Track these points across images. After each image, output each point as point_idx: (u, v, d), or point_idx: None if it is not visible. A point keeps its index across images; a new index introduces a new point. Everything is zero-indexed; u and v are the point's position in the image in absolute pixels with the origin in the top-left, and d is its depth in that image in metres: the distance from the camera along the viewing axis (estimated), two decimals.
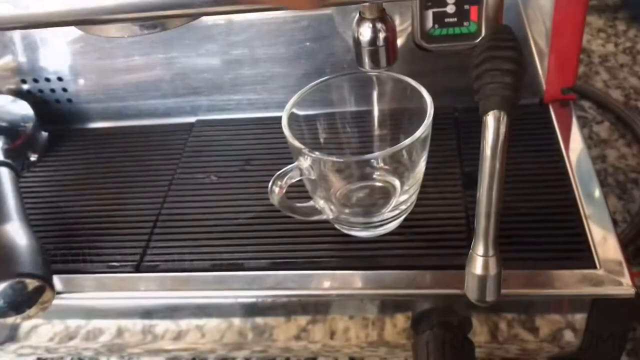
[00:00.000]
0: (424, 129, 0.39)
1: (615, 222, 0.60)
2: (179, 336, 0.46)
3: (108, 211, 0.50)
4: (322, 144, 0.46)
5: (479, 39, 0.49)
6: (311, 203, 0.43)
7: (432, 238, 0.44)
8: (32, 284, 0.40)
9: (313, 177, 0.39)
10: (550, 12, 0.50)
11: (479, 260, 0.32)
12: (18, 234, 0.43)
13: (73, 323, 0.46)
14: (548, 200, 0.45)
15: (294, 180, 0.39)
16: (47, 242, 0.46)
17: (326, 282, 0.42)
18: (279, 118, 0.55)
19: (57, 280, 0.44)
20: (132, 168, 0.54)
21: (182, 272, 0.44)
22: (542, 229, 0.43)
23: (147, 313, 0.45)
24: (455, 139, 0.51)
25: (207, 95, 0.57)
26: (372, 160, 0.42)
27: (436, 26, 0.51)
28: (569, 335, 0.43)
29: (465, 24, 0.49)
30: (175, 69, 0.55)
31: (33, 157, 0.56)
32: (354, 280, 0.42)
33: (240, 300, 0.43)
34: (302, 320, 0.44)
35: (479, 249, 0.32)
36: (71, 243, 0.48)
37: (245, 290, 0.43)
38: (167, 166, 0.53)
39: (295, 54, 0.53)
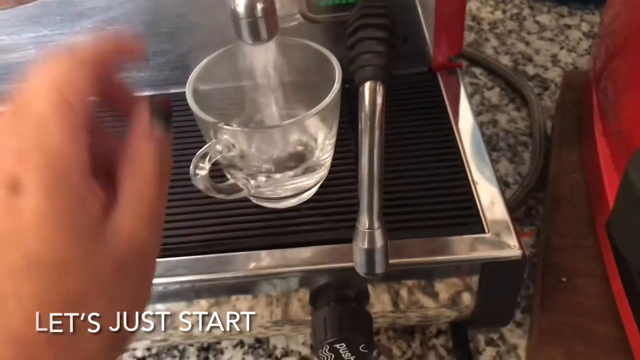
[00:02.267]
0: (335, 92, 0.38)
1: (506, 185, 0.63)
2: None
3: None
4: (230, 118, 0.44)
5: None
6: (231, 181, 0.41)
7: (326, 212, 0.43)
8: None
9: (233, 153, 0.37)
10: None
11: (365, 234, 0.32)
12: None
13: None
14: (437, 168, 0.45)
15: (216, 159, 0.37)
16: None
17: (219, 266, 0.41)
18: (168, 95, 0.53)
19: None
20: None
21: None
22: (432, 197, 0.43)
23: None
24: (347, 109, 0.50)
25: None
26: (289, 127, 0.40)
27: None
28: (465, 299, 0.44)
29: None
30: (49, 47, 0.51)
31: None
32: (246, 262, 0.41)
33: None
34: (204, 304, 0.43)
35: (364, 223, 0.32)
36: None
37: None
38: None
39: (177, 29, 0.51)
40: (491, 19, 0.83)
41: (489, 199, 0.43)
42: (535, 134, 0.67)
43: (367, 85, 0.29)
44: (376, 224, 0.32)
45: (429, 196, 0.43)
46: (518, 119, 0.70)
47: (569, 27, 0.80)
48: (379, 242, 0.32)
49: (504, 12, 0.84)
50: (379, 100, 0.29)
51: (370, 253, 0.32)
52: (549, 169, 0.61)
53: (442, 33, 0.50)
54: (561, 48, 0.78)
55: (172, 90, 0.53)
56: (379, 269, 0.33)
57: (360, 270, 0.34)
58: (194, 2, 0.50)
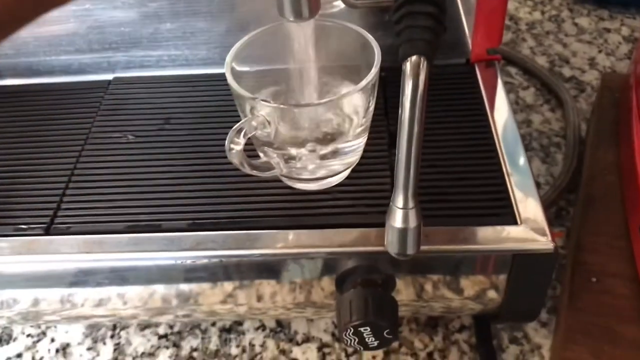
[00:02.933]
0: (373, 75, 0.38)
1: (538, 185, 0.62)
2: (98, 302, 0.44)
3: (16, 172, 0.47)
4: (267, 96, 0.44)
5: None
6: (264, 158, 0.41)
7: (357, 197, 0.43)
8: None
9: (268, 130, 0.37)
10: None
11: (399, 213, 0.32)
12: None
13: None
14: (471, 158, 0.45)
15: (251, 134, 0.37)
16: None
17: (247, 242, 0.41)
18: (201, 75, 0.54)
19: None
20: (42, 127, 0.51)
21: (96, 235, 0.42)
22: (465, 186, 0.43)
23: (60, 278, 0.42)
24: (383, 97, 0.50)
25: (124, 50, 0.54)
26: (324, 107, 0.40)
27: None
28: (491, 293, 0.43)
29: None
30: (89, 21, 0.52)
31: None
32: (276, 240, 0.41)
33: (158, 262, 0.41)
34: (228, 286, 0.43)
35: (399, 201, 0.32)
36: None
37: (163, 251, 0.41)
38: (81, 125, 0.50)
39: (217, 8, 0.51)
40: (529, 19, 0.82)
41: (523, 191, 0.42)
42: (569, 135, 0.66)
43: (412, 60, 0.29)
44: (411, 203, 0.32)
45: (462, 185, 0.43)
46: (552, 120, 0.69)
47: (608, 30, 0.79)
48: (412, 222, 0.32)
49: (542, 13, 0.83)
50: (423, 76, 0.29)
51: (403, 233, 0.32)
52: (582, 170, 0.60)
53: (482, 24, 0.49)
54: (599, 51, 0.76)
55: (210, 71, 0.53)
56: (411, 249, 0.33)
57: (392, 250, 0.33)
58: None
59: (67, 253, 0.41)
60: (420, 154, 0.31)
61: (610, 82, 0.66)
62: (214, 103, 0.51)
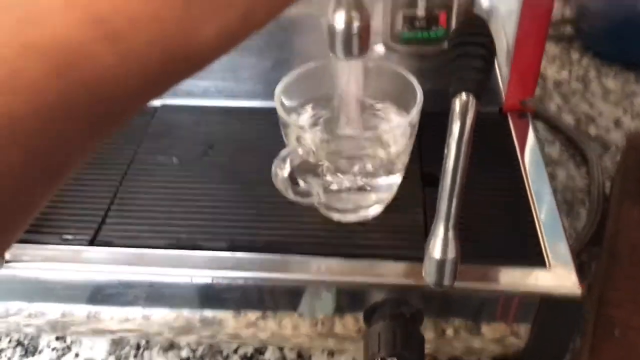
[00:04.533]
0: (417, 111, 0.40)
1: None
2: (129, 316, 0.45)
3: (65, 184, 0.49)
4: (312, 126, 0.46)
5: (446, 44, 0.51)
6: (304, 186, 0.43)
7: (390, 230, 0.45)
8: None
9: (312, 159, 0.40)
10: (514, 27, 0.52)
11: (439, 243, 0.33)
12: None
13: (20, 296, 0.45)
14: (503, 201, 0.46)
15: (296, 162, 0.39)
16: None
17: (282, 266, 0.42)
18: (245, 107, 0.56)
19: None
20: None
21: (138, 249, 0.44)
22: (496, 228, 0.44)
23: (98, 289, 0.44)
24: (418, 140, 0.52)
25: None
26: (366, 140, 0.42)
27: (405, 28, 0.52)
28: (515, 336, 0.44)
29: (434, 28, 0.51)
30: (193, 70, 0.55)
31: None
32: (310, 266, 0.42)
33: (195, 280, 0.43)
34: (258, 309, 0.44)
35: (439, 231, 0.33)
36: None
37: (200, 269, 0.42)
38: (129, 146, 0.53)
39: (265, 44, 0.54)
40: (557, 78, 0.85)
41: (552, 236, 0.44)
42: (593, 191, 0.67)
43: (462, 97, 0.30)
44: (451, 235, 0.33)
45: (493, 227, 0.44)
46: (577, 176, 0.71)
47: (634, 93, 0.81)
48: (451, 253, 0.33)
49: (570, 72, 0.85)
50: (471, 113, 0.31)
51: (441, 264, 0.33)
52: (605, 226, 0.61)
53: (517, 76, 0.52)
54: (625, 113, 0.78)
55: (253, 104, 0.56)
56: (447, 281, 0.34)
57: (429, 279, 0.35)
58: (284, 21, 0.53)
59: (108, 264, 0.43)
60: (463, 188, 0.32)
61: (636, 143, 0.68)
62: (255, 134, 0.53)
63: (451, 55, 0.32)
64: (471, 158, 0.49)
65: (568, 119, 0.78)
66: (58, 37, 0.16)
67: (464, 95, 0.31)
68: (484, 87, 0.31)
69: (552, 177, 0.70)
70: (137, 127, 0.55)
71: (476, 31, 0.32)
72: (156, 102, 0.57)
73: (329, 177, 0.42)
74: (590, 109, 0.79)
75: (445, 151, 0.32)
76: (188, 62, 0.18)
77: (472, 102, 0.31)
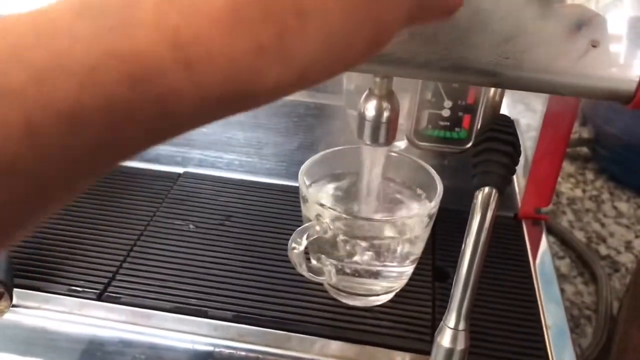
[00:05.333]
0: (436, 203, 0.42)
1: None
2: None
3: (81, 237, 0.50)
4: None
5: (467, 146, 0.53)
6: (317, 264, 0.43)
7: (397, 320, 0.44)
8: None
9: (329, 236, 0.40)
10: (533, 141, 0.54)
11: (449, 333, 0.33)
12: None
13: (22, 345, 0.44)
14: (513, 305, 0.46)
15: (313, 238, 0.40)
16: (14, 256, 0.45)
17: (286, 343, 0.42)
18: (266, 184, 0.57)
19: (16, 293, 0.42)
20: (114, 202, 0.54)
21: (143, 309, 0.44)
22: (505, 330, 0.44)
23: (99, 344, 0.43)
24: (432, 235, 0.52)
25: (200, 149, 0.58)
26: (385, 225, 0.43)
27: (429, 126, 0.54)
28: None
29: (457, 129, 0.53)
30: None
31: None
32: (314, 346, 0.42)
33: (197, 346, 0.42)
34: None
35: (451, 321, 0.33)
36: (38, 260, 0.47)
37: (204, 336, 0.42)
38: (148, 207, 0.54)
39: (294, 126, 0.56)
40: (570, 195, 0.86)
41: (559, 345, 0.43)
42: (601, 310, 0.66)
43: (485, 190, 0.31)
44: (462, 325, 0.33)
45: (501, 329, 0.44)
46: (585, 293, 0.70)
47: None
48: (460, 344, 0.33)
49: (584, 191, 0.87)
50: (493, 206, 0.31)
51: (450, 353, 0.33)
52: (610, 347, 0.60)
53: (534, 184, 0.53)
54: (637, 236, 0.79)
55: (274, 181, 0.57)
56: None
57: None
58: (313, 109, 0.55)
59: (112, 320, 0.43)
60: (478, 280, 0.33)
61: None
62: (272, 210, 0.54)
63: (477, 150, 0.33)
64: (486, 258, 0.50)
65: (579, 236, 0.79)
66: (140, 51, 0.17)
67: (487, 189, 0.31)
68: (507, 184, 0.32)
69: (560, 291, 0.70)
70: (159, 191, 0.56)
71: (503, 129, 0.34)
72: (179, 169, 0.59)
73: (342, 258, 0.42)
74: (602, 229, 0.80)
75: (464, 242, 0.32)
76: (245, 101, 0.20)
77: (495, 196, 0.31)
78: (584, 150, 0.93)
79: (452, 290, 0.33)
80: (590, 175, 0.89)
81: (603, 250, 0.77)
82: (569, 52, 0.31)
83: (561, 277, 0.73)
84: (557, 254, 0.76)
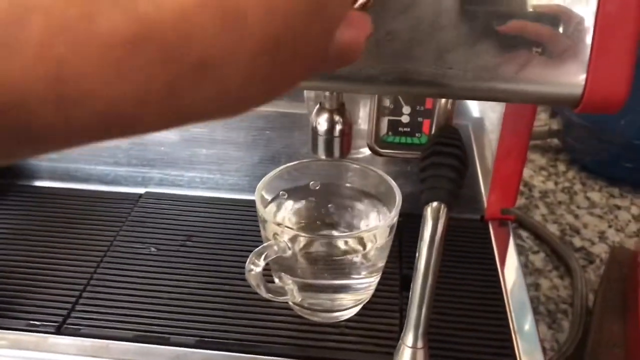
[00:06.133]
0: (395, 213, 0.41)
1: (543, 349, 0.61)
2: None
3: (37, 268, 0.48)
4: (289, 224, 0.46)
5: None
6: (279, 283, 0.42)
7: (364, 334, 0.44)
8: None
9: (288, 255, 0.39)
10: (496, 138, 0.53)
11: (408, 352, 0.32)
12: None
13: None
14: (480, 311, 0.46)
15: (271, 258, 0.39)
16: None
17: None
18: (229, 200, 0.57)
19: None
20: (70, 230, 0.53)
21: (104, 340, 0.43)
22: (471, 338, 0.44)
23: None
24: (398, 242, 0.52)
25: (160, 168, 0.57)
26: (345, 240, 0.42)
27: (390, 133, 0.53)
28: None
29: (417, 135, 0.53)
30: (133, 138, 0.56)
31: None
32: None
33: None
34: None
35: (409, 340, 0.32)
36: None
37: None
38: (108, 232, 0.52)
39: (253, 140, 0.55)
40: (542, 187, 0.86)
41: (528, 352, 0.43)
42: (576, 303, 0.66)
43: (433, 205, 0.31)
44: (420, 343, 0.32)
45: (468, 337, 0.44)
46: (560, 287, 0.70)
47: (619, 207, 0.82)
48: None
49: (555, 183, 0.87)
50: (442, 221, 0.31)
51: None
52: (587, 340, 0.60)
53: (498, 185, 0.52)
54: (610, 226, 0.79)
55: (237, 196, 0.56)
56: None
57: None
58: (273, 119, 0.54)
59: (73, 354, 0.42)
60: (433, 296, 0.32)
61: (619, 256, 0.68)
62: (236, 226, 0.53)
63: (424, 164, 0.33)
64: (449, 264, 0.49)
65: (553, 229, 0.78)
66: (12, 77, 0.16)
67: (435, 204, 0.31)
68: (455, 197, 0.31)
69: (535, 286, 0.69)
70: (119, 213, 0.55)
71: (449, 141, 0.33)
72: (140, 189, 0.58)
73: (304, 276, 0.42)
74: (575, 221, 0.80)
75: (416, 259, 0.32)
76: (118, 135, 0.19)
77: (444, 210, 0.31)
78: (555, 141, 0.93)
79: (407, 308, 0.32)
80: (562, 167, 0.89)
81: (577, 242, 0.77)
82: (512, 59, 0.31)
83: (536, 271, 0.72)
84: (531, 249, 0.75)
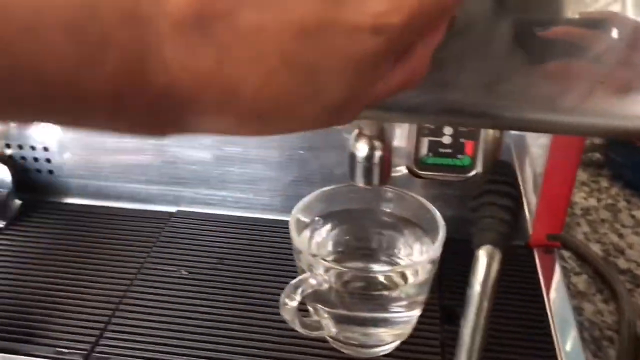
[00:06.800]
0: (439, 246, 0.39)
1: None
2: None
3: (67, 292, 0.47)
4: (326, 255, 0.45)
5: (471, 173, 0.50)
6: (315, 317, 0.41)
7: None
8: None
9: (324, 289, 0.37)
10: (542, 162, 0.50)
11: None
12: None
13: None
14: (526, 340, 0.44)
15: (307, 292, 0.37)
16: None
17: None
18: (261, 220, 0.55)
19: None
20: (100, 250, 0.51)
21: None
22: None
23: None
24: (438, 269, 0.50)
25: (192, 187, 0.56)
26: (387, 274, 0.40)
27: (430, 154, 0.51)
28: None
29: (460, 156, 0.50)
30: (165, 156, 0.55)
31: (1, 224, 0.54)
32: None
33: None
34: None
35: None
36: (21, 320, 0.45)
37: None
38: (138, 253, 0.51)
39: (287, 159, 0.53)
40: (584, 204, 0.82)
41: None
42: (623, 330, 0.63)
43: (485, 250, 0.29)
44: None
45: None
46: (605, 312, 0.67)
47: None
48: None
49: (598, 200, 0.83)
50: (495, 267, 0.29)
51: None
52: None
53: (544, 211, 0.50)
54: None
55: (270, 216, 0.55)
56: None
57: None
58: (308, 139, 0.52)
59: None
60: (484, 343, 0.30)
61: None
62: (269, 248, 0.52)
63: (476, 203, 0.30)
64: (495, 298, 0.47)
65: (596, 249, 0.75)
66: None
67: (488, 248, 0.29)
68: (509, 240, 0.29)
69: (578, 311, 0.66)
70: (150, 233, 0.54)
71: (503, 179, 0.31)
72: (171, 208, 0.57)
73: (341, 309, 0.40)
74: (620, 240, 0.76)
75: (465, 308, 0.29)
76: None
77: (498, 256, 0.28)
78: (596, 156, 0.89)
79: (455, 356, 0.30)
80: (604, 183, 0.86)
81: (622, 263, 0.73)
82: (573, 89, 0.28)
83: (579, 294, 0.69)
84: (573, 270, 0.72)
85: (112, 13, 0.17)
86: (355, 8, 0.19)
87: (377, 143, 0.38)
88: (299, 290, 0.37)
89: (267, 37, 0.18)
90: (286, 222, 0.53)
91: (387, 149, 0.39)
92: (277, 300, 0.45)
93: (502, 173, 0.31)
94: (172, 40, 0.18)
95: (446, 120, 0.32)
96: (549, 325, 0.45)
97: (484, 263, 0.29)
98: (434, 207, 0.42)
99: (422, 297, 0.41)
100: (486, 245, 0.29)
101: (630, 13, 0.28)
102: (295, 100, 0.20)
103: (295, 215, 0.41)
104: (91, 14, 0.17)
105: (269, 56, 0.19)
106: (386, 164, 0.39)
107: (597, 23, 0.28)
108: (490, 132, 0.39)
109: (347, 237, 0.44)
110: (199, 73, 0.18)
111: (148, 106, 0.19)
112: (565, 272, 0.71)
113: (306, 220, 0.42)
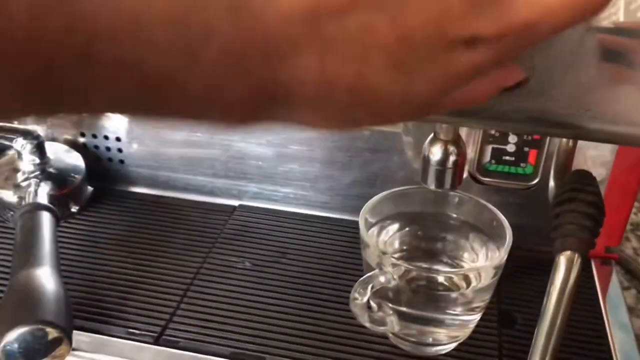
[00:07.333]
0: (505, 253, 0.40)
1: None
2: None
3: (137, 277, 0.49)
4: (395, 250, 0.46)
5: (533, 182, 0.51)
6: (379, 313, 0.42)
7: None
8: (52, 333, 0.39)
9: (392, 286, 0.39)
10: (605, 174, 0.51)
11: None
12: (48, 280, 0.42)
13: None
14: (584, 355, 0.44)
15: (377, 289, 0.38)
16: (72, 296, 0.45)
17: None
18: (321, 217, 0.56)
19: (75, 336, 0.42)
20: (168, 239, 0.54)
21: (202, 354, 0.43)
22: None
23: None
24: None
25: (256, 182, 0.57)
26: (451, 276, 0.42)
27: (493, 161, 0.52)
28: None
29: (522, 165, 0.51)
30: (232, 151, 0.56)
31: (74, 209, 0.56)
32: None
33: None
34: None
35: None
36: (96, 301, 0.47)
37: None
38: (203, 244, 0.53)
39: (350, 160, 0.54)
40: (634, 220, 0.82)
41: None
42: None
43: (566, 255, 0.29)
44: None
45: None
46: None
47: None
48: None
49: None
50: (575, 273, 0.29)
51: None
52: None
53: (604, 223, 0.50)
54: None
55: (329, 214, 0.56)
56: None
57: None
58: (372, 140, 0.53)
59: None
60: (559, 347, 0.31)
61: None
62: (329, 245, 0.53)
63: (558, 210, 0.31)
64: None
65: None
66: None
67: (569, 253, 0.29)
68: (591, 247, 0.30)
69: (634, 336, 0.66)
70: (214, 225, 0.55)
71: (587, 188, 0.31)
72: (235, 202, 0.58)
73: (405, 307, 0.41)
74: None
75: (542, 311, 0.30)
76: None
77: (578, 261, 0.29)
78: None
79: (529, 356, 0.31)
80: None
81: None
82: None
83: (628, 309, 0.69)
84: (622, 284, 0.72)
85: (218, 4, 0.17)
86: (461, 24, 0.20)
87: (452, 148, 0.40)
88: (369, 287, 0.38)
89: (374, 39, 0.19)
90: (345, 220, 0.55)
91: (462, 154, 0.40)
92: (340, 295, 0.47)
93: (585, 182, 0.32)
94: (277, 32, 0.18)
95: (529, 128, 0.33)
96: (605, 331, 0.45)
97: (563, 269, 0.30)
98: (501, 214, 0.43)
99: (483, 302, 0.42)
100: (567, 250, 0.30)
101: None
102: (386, 100, 0.21)
103: (365, 212, 0.43)
104: (198, 6, 0.17)
105: (372, 56, 0.19)
106: (459, 169, 0.41)
107: None
108: (564, 141, 0.39)
109: (414, 238, 0.45)
110: (299, 66, 0.19)
111: (243, 97, 0.19)
112: (623, 292, 0.71)
113: (375, 218, 0.44)
